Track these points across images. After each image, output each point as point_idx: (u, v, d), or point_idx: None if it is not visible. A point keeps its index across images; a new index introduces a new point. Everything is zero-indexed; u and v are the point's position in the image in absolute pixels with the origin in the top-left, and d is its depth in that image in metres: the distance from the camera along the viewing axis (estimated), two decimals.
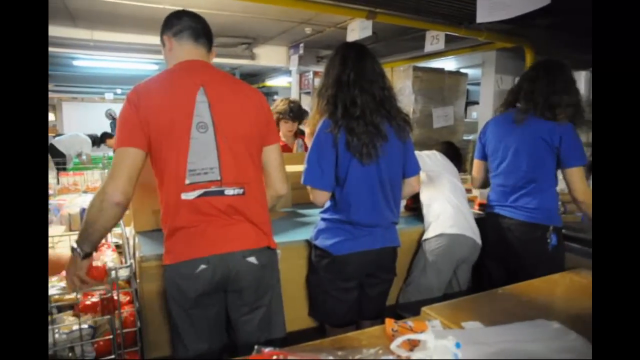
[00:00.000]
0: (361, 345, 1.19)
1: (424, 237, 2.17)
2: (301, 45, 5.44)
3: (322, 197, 1.75)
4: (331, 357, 1.00)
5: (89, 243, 1.40)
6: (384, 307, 1.92)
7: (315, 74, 5.88)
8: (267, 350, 1.04)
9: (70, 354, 1.48)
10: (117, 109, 12.97)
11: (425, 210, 2.22)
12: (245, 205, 1.49)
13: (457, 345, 1.04)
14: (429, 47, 3.99)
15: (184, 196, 1.42)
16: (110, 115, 10.54)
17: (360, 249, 1.74)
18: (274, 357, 0.99)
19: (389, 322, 1.24)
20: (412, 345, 1.11)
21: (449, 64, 5.84)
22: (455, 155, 2.55)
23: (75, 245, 1.41)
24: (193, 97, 1.43)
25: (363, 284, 1.83)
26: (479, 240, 2.16)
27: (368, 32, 3.95)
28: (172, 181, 1.43)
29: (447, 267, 2.10)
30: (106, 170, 4.21)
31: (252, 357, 1.00)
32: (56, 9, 4.31)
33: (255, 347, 1.04)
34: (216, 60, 5.58)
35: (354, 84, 1.69)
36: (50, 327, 1.46)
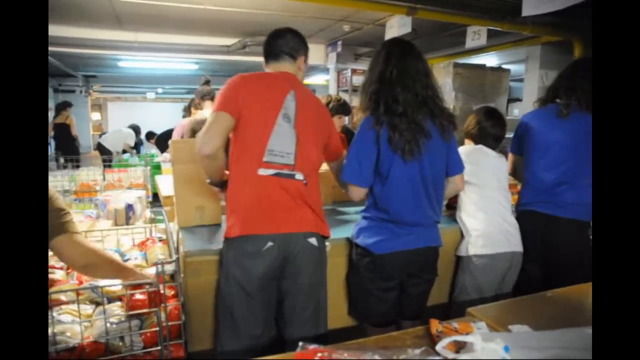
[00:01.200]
0: (405, 345, 1.18)
1: (459, 251, 2.10)
2: (339, 42, 5.43)
3: (358, 193, 1.75)
4: (377, 357, 0.99)
5: (211, 178, 1.73)
6: (424, 307, 1.89)
7: (353, 71, 5.86)
8: (311, 347, 1.05)
9: (120, 344, 1.54)
10: (159, 107, 13.32)
11: (459, 221, 2.14)
12: (307, 192, 1.65)
13: (506, 349, 1.01)
14: (470, 43, 3.90)
15: (260, 172, 1.58)
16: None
17: (402, 248, 1.72)
18: (319, 355, 0.99)
19: (434, 323, 1.22)
20: (459, 346, 1.09)
21: (490, 60, 5.70)
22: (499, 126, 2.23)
23: (208, 181, 1.75)
24: (284, 94, 1.64)
25: (404, 284, 1.80)
26: (519, 248, 2.08)
27: (407, 29, 3.90)
28: (251, 157, 1.60)
29: (488, 286, 2.04)
30: (149, 167, 4.35)
31: (297, 353, 1.01)
32: (104, 12, 4.48)
33: (300, 343, 1.05)
34: (255, 58, 5.67)
35: (395, 82, 1.68)
36: (102, 316, 1.52)
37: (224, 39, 5.57)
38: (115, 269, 1.57)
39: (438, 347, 1.08)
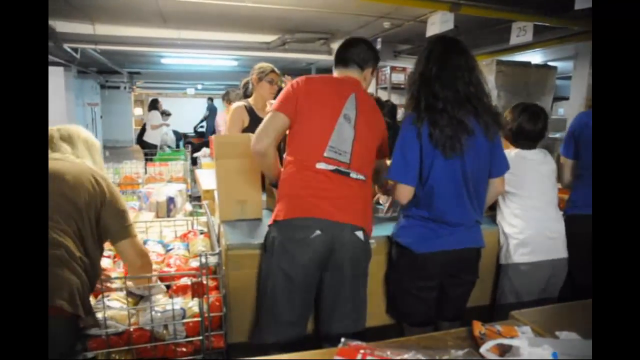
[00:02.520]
0: (447, 345, 1.16)
1: (500, 258, 2.04)
2: (379, 39, 5.38)
3: (407, 192, 1.70)
4: (420, 356, 0.99)
5: (269, 178, 1.87)
6: (464, 309, 1.86)
7: (393, 69, 5.80)
8: (353, 343, 1.05)
9: (164, 332, 1.59)
10: (199, 104, 13.56)
11: (499, 226, 2.07)
12: (361, 190, 1.71)
13: (554, 355, 0.99)
14: (514, 40, 3.79)
15: (318, 165, 1.65)
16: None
17: (443, 248, 1.69)
18: (362, 352, 0.99)
19: (476, 325, 1.20)
20: (503, 350, 1.07)
21: (534, 57, 5.53)
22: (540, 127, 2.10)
23: (271, 184, 1.88)
24: (346, 96, 1.72)
25: (444, 285, 1.77)
26: (563, 254, 2.01)
27: (449, 25, 3.82)
28: (310, 151, 1.67)
29: (528, 292, 1.97)
30: (189, 162, 4.46)
31: (339, 349, 1.01)
32: (150, 11, 4.60)
33: (342, 339, 1.05)
34: (294, 55, 5.71)
35: (435, 79, 1.66)
36: (148, 304, 1.57)
37: (264, 36, 5.62)
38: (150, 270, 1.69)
39: (482, 350, 1.06)
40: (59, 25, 4.95)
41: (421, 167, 1.67)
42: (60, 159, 1.51)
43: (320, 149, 1.66)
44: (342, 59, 1.84)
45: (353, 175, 1.68)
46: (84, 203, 1.44)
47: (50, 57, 6.15)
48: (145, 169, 4.31)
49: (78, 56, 5.90)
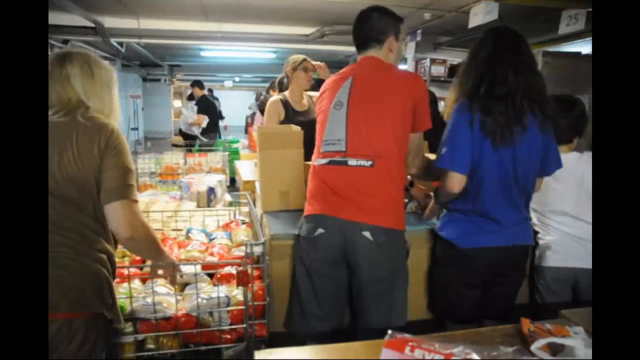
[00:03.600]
0: (494, 342, 1.14)
1: (535, 261, 1.94)
2: (419, 31, 5.30)
3: (459, 180, 1.60)
4: (469, 351, 0.97)
5: None
6: (511, 308, 1.80)
7: (432, 61, 5.69)
8: (399, 335, 1.05)
9: (210, 318, 1.63)
10: (237, 96, 13.75)
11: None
12: (371, 178, 1.58)
13: None
14: (564, 29, 3.64)
15: (316, 162, 1.66)
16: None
17: (489, 244, 1.64)
18: (410, 344, 0.98)
19: (525, 322, 1.18)
20: (554, 349, 1.04)
21: (584, 47, 5.29)
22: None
23: None
24: (340, 84, 1.66)
25: (489, 282, 1.73)
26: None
27: (494, 16, 3.71)
28: (315, 150, 1.69)
29: (560, 295, 1.89)
30: (227, 153, 4.53)
31: (387, 341, 1.01)
32: (192, 5, 4.69)
33: (389, 332, 1.05)
34: (332, 47, 5.69)
35: (507, 63, 1.58)
36: (194, 291, 1.61)
37: (303, 28, 5.62)
38: (154, 252, 1.47)
39: (533, 348, 1.04)
40: (107, 21, 5.12)
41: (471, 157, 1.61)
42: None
43: (319, 146, 1.67)
44: (358, 41, 1.74)
45: (352, 162, 1.58)
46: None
47: (98, 52, 6.37)
48: (185, 159, 4.42)
49: (123, 50, 6.09)
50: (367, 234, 1.55)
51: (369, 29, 1.71)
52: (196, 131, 7.43)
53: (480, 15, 3.84)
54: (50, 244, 1.18)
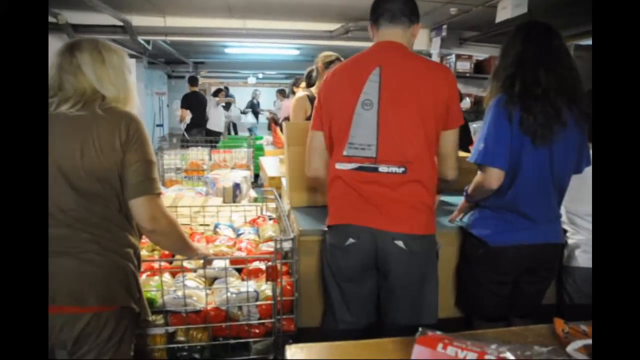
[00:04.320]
0: (527, 341, 1.13)
1: (564, 260, 1.88)
2: (444, 26, 5.24)
3: (498, 176, 1.55)
4: (504, 349, 0.96)
5: None
6: (538, 306, 1.78)
7: (458, 57, 5.61)
8: (430, 333, 1.04)
9: (239, 312, 1.65)
10: (262, 92, 13.78)
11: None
12: (403, 184, 1.50)
13: None
14: None
15: (338, 166, 1.55)
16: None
17: (521, 241, 1.62)
18: (445, 341, 0.98)
19: (559, 323, 1.16)
20: (590, 351, 1.02)
21: None
22: None
23: None
24: (366, 76, 1.49)
25: (518, 280, 1.71)
26: None
27: (523, 9, 3.64)
28: (335, 152, 1.57)
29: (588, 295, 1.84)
30: (251, 150, 4.56)
31: (419, 338, 1.00)
32: (217, 2, 4.74)
33: (420, 329, 1.04)
34: (357, 43, 5.66)
35: (538, 62, 1.55)
36: (223, 285, 1.64)
37: (327, 25, 5.61)
38: (180, 245, 1.47)
39: (569, 349, 1.02)
40: (135, 20, 5.21)
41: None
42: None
43: (340, 149, 1.53)
44: (387, 11, 1.54)
45: (383, 169, 1.48)
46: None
47: (126, 50, 6.49)
48: (210, 155, 4.47)
49: (150, 48, 6.18)
50: (399, 242, 1.49)
51: (404, 2, 1.55)
52: (182, 127, 7.55)
53: (509, 9, 3.77)
54: (77, 239, 1.21)
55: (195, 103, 7.73)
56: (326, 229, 1.63)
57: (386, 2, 1.55)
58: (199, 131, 7.46)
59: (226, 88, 10.37)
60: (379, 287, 1.60)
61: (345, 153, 1.52)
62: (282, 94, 9.82)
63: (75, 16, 5.05)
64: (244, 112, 11.11)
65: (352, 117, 1.50)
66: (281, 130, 4.77)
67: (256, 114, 12.75)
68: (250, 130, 8.89)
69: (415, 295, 1.56)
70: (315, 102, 1.63)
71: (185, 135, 7.20)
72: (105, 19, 4.97)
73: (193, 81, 8.05)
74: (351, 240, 1.53)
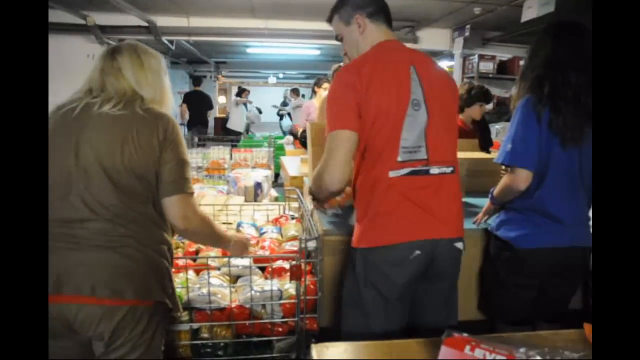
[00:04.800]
0: (557, 346, 1.11)
1: (591, 265, 1.82)
2: (467, 27, 5.20)
3: (526, 178, 1.53)
4: (537, 356, 0.95)
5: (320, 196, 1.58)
6: (565, 310, 1.75)
7: (481, 57, 5.56)
8: (457, 334, 1.04)
9: (262, 311, 1.67)
10: (280, 92, 13.85)
11: None
12: (452, 184, 1.46)
13: None
14: None
15: (392, 174, 1.39)
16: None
17: (548, 245, 1.60)
18: (472, 343, 0.97)
19: (589, 328, 1.14)
20: None
21: None
22: None
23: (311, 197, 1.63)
24: (407, 75, 1.41)
25: (544, 284, 1.68)
26: None
27: (550, 8, 3.58)
28: (381, 158, 1.40)
29: None
30: (272, 149, 4.58)
31: (446, 339, 1.00)
32: (240, 2, 4.80)
33: (445, 331, 1.04)
34: None
35: (568, 63, 1.54)
36: (247, 283, 1.65)
37: None
38: (214, 240, 1.53)
39: None
40: (159, 20, 5.30)
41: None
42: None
43: (392, 155, 1.39)
44: (388, 14, 1.51)
45: (434, 170, 1.41)
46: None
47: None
48: (231, 154, 4.51)
49: (173, 47, 6.27)
50: (459, 245, 1.47)
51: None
52: (184, 124, 7.69)
53: (535, 8, 3.72)
54: (116, 234, 1.23)
55: (195, 101, 8.03)
56: (363, 247, 1.44)
57: (386, 6, 1.53)
58: (197, 129, 7.62)
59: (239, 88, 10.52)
60: (421, 290, 1.51)
61: (400, 159, 1.39)
62: (295, 92, 9.82)
63: (102, 17, 5.17)
64: (280, 114, 11.15)
65: (404, 118, 1.38)
66: (299, 141, 4.78)
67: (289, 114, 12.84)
68: (292, 134, 8.84)
69: (447, 295, 1.55)
70: (338, 99, 1.42)
71: (186, 132, 7.32)
72: (131, 20, 5.07)
73: (196, 80, 8.44)
74: (412, 256, 1.40)
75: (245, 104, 9.76)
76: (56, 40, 5.23)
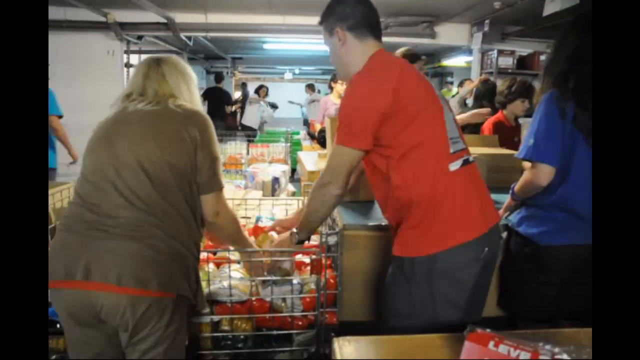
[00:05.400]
0: (582, 344, 1.10)
1: None
2: (486, 21, 5.13)
3: (549, 173, 1.53)
4: (564, 354, 0.94)
5: (306, 231, 1.53)
6: (588, 309, 1.72)
7: (500, 52, 5.49)
8: (479, 330, 1.03)
9: (282, 304, 1.68)
10: (296, 88, 13.85)
11: None
12: (478, 172, 1.48)
13: None
14: None
15: (452, 167, 1.34)
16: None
17: (571, 242, 1.57)
18: (496, 339, 0.96)
19: None
20: None
21: None
22: None
23: (295, 230, 1.55)
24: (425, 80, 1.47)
25: (568, 281, 1.65)
26: None
27: (574, 1, 3.51)
28: (437, 154, 1.35)
29: None
30: (289, 144, 4.58)
31: (469, 334, 1.00)
32: None
33: (468, 326, 1.03)
34: (396, 39, 5.61)
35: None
36: (269, 278, 1.67)
37: None
38: (236, 237, 1.59)
39: None
40: (178, 17, 5.35)
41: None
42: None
43: (443, 147, 1.36)
44: (374, 25, 1.47)
45: (471, 158, 1.45)
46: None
47: (167, 46, 6.68)
48: (248, 149, 4.53)
49: (191, 43, 6.33)
50: (504, 234, 1.51)
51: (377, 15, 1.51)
52: None
53: (558, 1, 3.65)
54: (144, 225, 1.25)
55: (212, 97, 8.31)
56: (425, 254, 1.33)
57: (367, 10, 1.46)
58: (216, 124, 7.68)
59: (243, 84, 10.60)
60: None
61: (452, 150, 1.36)
62: (311, 88, 9.80)
63: (122, 14, 5.24)
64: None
65: (443, 109, 1.40)
66: (318, 142, 4.77)
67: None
68: (309, 134, 8.69)
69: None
70: (360, 115, 1.34)
71: None
72: (150, 16, 5.12)
73: (218, 77, 8.77)
74: (486, 249, 1.34)
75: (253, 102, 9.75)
76: (78, 37, 5.33)
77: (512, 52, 5.61)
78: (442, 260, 1.32)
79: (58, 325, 1.54)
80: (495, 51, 5.53)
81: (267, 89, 9.59)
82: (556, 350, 0.95)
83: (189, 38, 6.20)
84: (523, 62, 5.71)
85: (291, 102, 11.63)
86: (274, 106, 10.44)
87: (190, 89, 1.49)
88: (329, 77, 5.73)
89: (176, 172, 1.31)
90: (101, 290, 1.20)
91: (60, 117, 3.37)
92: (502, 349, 0.96)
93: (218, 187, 1.40)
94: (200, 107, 1.51)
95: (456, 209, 1.34)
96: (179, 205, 1.31)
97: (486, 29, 5.20)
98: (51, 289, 1.24)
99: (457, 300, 1.35)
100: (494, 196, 2.23)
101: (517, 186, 1.68)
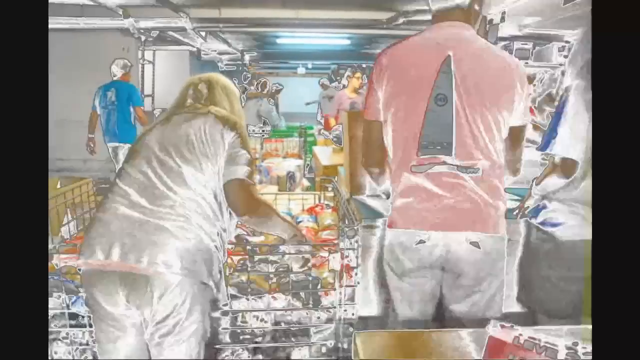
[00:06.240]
0: None
1: None
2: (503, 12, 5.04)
3: (574, 169, 1.53)
4: (587, 348, 0.93)
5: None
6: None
7: (517, 44, 5.40)
8: (500, 324, 1.02)
9: (301, 298, 1.68)
10: (309, 83, 13.81)
11: None
12: (478, 185, 1.40)
13: None
14: None
15: (413, 169, 1.40)
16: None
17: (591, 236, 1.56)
18: (516, 334, 0.95)
19: None
20: None
21: None
22: None
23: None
24: (437, 65, 1.35)
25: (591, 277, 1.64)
26: None
27: None
28: (403, 151, 1.43)
29: None
30: (302, 139, 4.58)
31: (491, 330, 0.99)
32: None
33: (492, 321, 1.02)
34: (409, 33, 5.58)
35: None
36: (287, 272, 1.67)
37: (380, 13, 5.55)
38: (272, 225, 1.60)
39: None
40: (192, 12, 5.37)
41: None
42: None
43: (412, 150, 1.39)
44: None
45: (461, 170, 1.37)
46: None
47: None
48: (262, 144, 4.55)
49: (205, 39, 6.35)
50: (474, 245, 1.46)
51: None
52: None
53: None
54: (173, 213, 1.31)
55: None
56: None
57: None
58: None
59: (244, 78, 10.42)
60: (444, 285, 1.53)
61: (420, 154, 1.42)
62: (325, 84, 9.72)
63: (137, 11, 5.27)
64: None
65: (424, 113, 1.36)
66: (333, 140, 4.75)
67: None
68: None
69: (483, 294, 1.52)
70: (370, 84, 1.49)
71: None
72: (164, 12, 5.15)
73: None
74: (421, 242, 1.46)
75: (268, 99, 9.20)
76: (93, 34, 5.38)
77: (529, 44, 5.52)
78: (390, 237, 1.50)
79: (82, 318, 1.57)
80: (512, 43, 5.45)
81: (268, 82, 8.86)
82: (584, 346, 0.94)
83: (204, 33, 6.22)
84: (540, 54, 5.61)
85: (308, 104, 11.44)
86: (272, 97, 9.19)
87: (232, 102, 1.60)
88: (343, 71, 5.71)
89: (207, 164, 1.39)
90: (124, 270, 1.26)
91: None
92: (527, 345, 0.96)
93: (246, 179, 1.44)
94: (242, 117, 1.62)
95: (405, 204, 1.45)
96: (206, 195, 1.38)
97: (502, 21, 5.11)
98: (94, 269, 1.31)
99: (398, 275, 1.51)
100: (513, 190, 2.22)
101: (538, 180, 1.66)
